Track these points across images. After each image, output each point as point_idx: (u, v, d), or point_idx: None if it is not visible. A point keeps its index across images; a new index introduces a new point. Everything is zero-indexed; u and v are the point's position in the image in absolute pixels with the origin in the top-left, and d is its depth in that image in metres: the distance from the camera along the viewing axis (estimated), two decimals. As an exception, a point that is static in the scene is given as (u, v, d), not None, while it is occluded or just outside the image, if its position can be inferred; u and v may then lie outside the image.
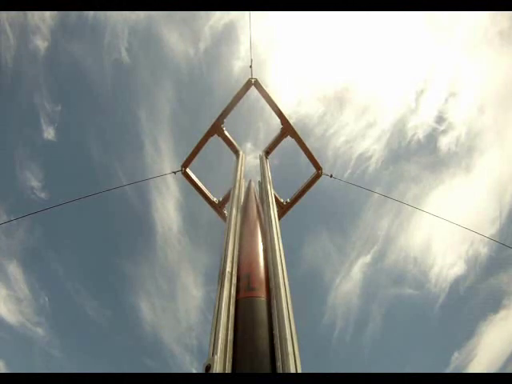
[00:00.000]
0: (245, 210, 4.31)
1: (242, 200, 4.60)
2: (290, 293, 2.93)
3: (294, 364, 2.18)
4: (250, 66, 6.93)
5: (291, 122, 6.75)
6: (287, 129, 6.68)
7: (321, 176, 6.84)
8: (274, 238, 3.69)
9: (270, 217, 4.19)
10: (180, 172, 6.73)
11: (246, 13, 8.13)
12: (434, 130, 15.91)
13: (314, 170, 6.89)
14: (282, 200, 6.71)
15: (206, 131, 6.73)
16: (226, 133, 6.74)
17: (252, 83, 6.68)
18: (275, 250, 3.46)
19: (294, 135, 6.69)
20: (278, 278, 3.01)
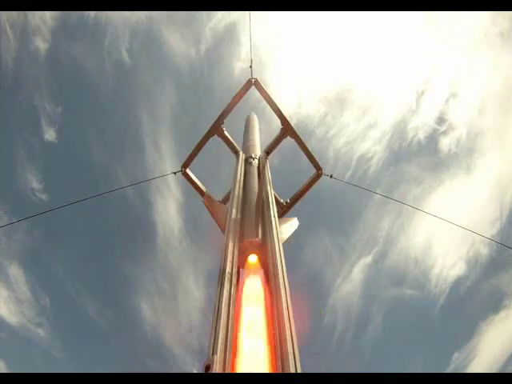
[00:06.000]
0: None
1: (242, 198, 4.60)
2: (290, 293, 2.94)
3: (294, 364, 2.18)
4: (250, 67, 6.92)
5: (292, 122, 6.74)
6: (287, 129, 6.67)
7: (321, 176, 6.82)
8: (273, 238, 3.69)
9: (270, 217, 4.20)
10: (180, 172, 6.73)
11: (247, 14, 8.14)
12: (435, 131, 15.98)
13: (314, 171, 6.88)
14: (281, 200, 6.70)
15: (206, 132, 6.73)
16: (226, 133, 6.73)
17: (252, 83, 6.67)
18: (275, 250, 3.47)
19: (294, 136, 6.68)
20: (278, 278, 3.02)
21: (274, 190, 5.51)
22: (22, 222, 4.18)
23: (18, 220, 4.11)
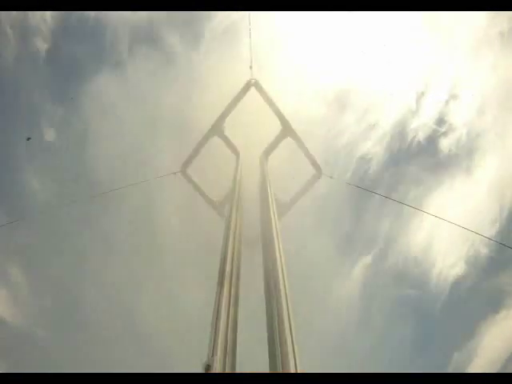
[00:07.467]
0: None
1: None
2: (290, 293, 2.94)
3: (294, 364, 2.18)
4: (250, 67, 6.95)
5: (291, 123, 6.76)
6: (287, 130, 6.69)
7: (320, 177, 6.84)
8: (273, 237, 3.70)
9: (269, 217, 4.21)
10: (180, 173, 6.76)
11: (247, 15, 8.14)
12: (435, 131, 16.01)
13: (313, 171, 6.89)
14: (282, 200, 6.69)
15: (206, 132, 6.76)
16: (226, 134, 6.75)
17: (252, 84, 6.70)
18: (275, 250, 3.47)
19: (294, 136, 6.70)
20: (278, 278, 3.02)
21: (274, 190, 5.52)
22: (21, 222, 4.18)
23: (17, 219, 4.11)
